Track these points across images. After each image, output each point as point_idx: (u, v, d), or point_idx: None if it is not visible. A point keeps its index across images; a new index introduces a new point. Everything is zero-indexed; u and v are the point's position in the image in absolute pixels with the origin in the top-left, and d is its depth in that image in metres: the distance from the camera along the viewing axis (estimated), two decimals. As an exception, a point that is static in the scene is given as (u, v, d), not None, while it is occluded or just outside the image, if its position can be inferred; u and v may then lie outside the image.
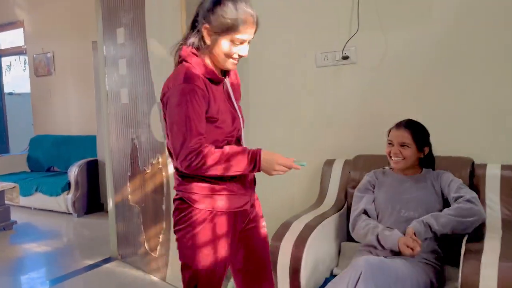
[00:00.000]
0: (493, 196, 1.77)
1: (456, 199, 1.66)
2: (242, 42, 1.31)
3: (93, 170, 4.66)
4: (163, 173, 2.65)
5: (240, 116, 1.42)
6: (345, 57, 2.24)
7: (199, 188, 1.35)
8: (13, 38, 5.88)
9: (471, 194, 1.66)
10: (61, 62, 5.22)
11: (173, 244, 2.62)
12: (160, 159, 2.66)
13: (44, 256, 3.32)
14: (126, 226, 3.05)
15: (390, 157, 1.80)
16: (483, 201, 1.78)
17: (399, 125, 1.81)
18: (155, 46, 2.61)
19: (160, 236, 2.72)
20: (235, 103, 1.43)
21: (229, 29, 1.27)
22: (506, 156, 1.89)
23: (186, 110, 1.25)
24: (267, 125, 2.55)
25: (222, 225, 1.36)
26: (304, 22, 2.37)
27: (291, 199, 2.48)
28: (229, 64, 1.35)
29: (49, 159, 5.23)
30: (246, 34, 1.30)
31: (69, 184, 4.46)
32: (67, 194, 4.46)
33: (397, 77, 2.14)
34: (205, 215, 1.34)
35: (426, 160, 1.83)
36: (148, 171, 2.77)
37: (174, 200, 1.44)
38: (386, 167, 1.93)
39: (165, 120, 1.33)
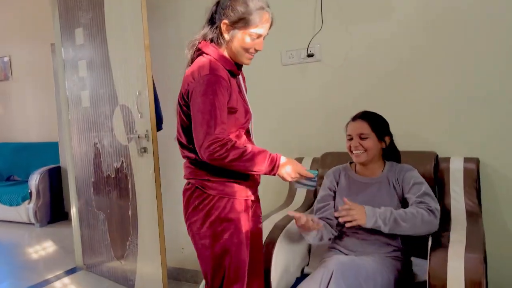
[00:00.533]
0: (457, 188, 1.80)
1: (418, 203, 1.58)
2: (258, 37, 1.41)
3: (55, 178, 4.49)
4: (128, 178, 2.56)
5: (250, 109, 1.50)
6: (310, 55, 2.24)
7: (212, 176, 1.40)
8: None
9: (435, 205, 1.58)
10: (18, 66, 5.00)
11: (141, 251, 2.54)
12: (124, 163, 2.58)
13: (5, 269, 3.15)
14: (91, 234, 2.93)
15: (351, 151, 1.72)
16: (447, 194, 1.81)
17: (355, 117, 1.75)
18: (116, 46, 2.53)
19: (127, 243, 2.63)
20: (246, 96, 1.51)
21: (246, 23, 1.37)
22: (468, 149, 1.93)
23: (212, 100, 1.31)
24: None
25: (236, 210, 1.42)
26: (268, 20, 2.35)
27: (260, 199, 2.45)
28: (245, 58, 1.45)
29: (8, 168, 5.00)
30: (262, 28, 1.40)
31: (30, 193, 4.27)
32: (28, 203, 4.27)
33: (362, 73, 2.15)
34: (219, 201, 1.40)
35: (389, 152, 1.77)
36: (113, 176, 2.68)
37: (186, 190, 1.48)
38: (344, 165, 1.86)
39: (183, 113, 1.41)
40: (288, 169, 1.38)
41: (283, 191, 2.30)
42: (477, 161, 1.84)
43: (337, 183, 1.80)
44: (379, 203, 1.61)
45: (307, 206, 2.05)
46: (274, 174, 1.38)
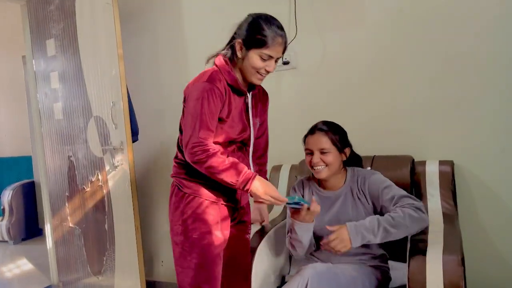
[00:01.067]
0: (433, 191, 1.82)
1: (400, 206, 1.49)
2: (269, 58, 1.44)
3: (29, 193, 4.36)
4: (104, 190, 2.50)
5: (251, 129, 1.55)
6: (286, 63, 2.24)
7: (190, 176, 1.48)
8: None
9: (417, 202, 1.50)
10: (-12, 79, 4.86)
11: (119, 265, 2.47)
12: (100, 176, 2.52)
13: (-25, 290, 3.03)
14: (66, 250, 2.85)
15: (312, 167, 1.62)
16: (424, 197, 1.82)
17: (313, 130, 1.65)
18: (88, 56, 2.48)
19: (104, 258, 2.56)
20: (251, 117, 1.55)
21: (259, 44, 1.41)
22: (443, 152, 1.96)
23: (201, 105, 1.38)
24: (212, 134, 2.49)
25: (210, 213, 1.46)
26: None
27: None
28: (255, 78, 1.48)
29: (-21, 184, 4.82)
30: (274, 51, 1.43)
31: (3, 210, 4.13)
32: (1, 220, 4.13)
33: (336, 79, 2.17)
34: (193, 201, 1.46)
35: (350, 160, 1.69)
36: (88, 189, 2.61)
37: (171, 187, 1.58)
38: (308, 177, 1.79)
39: (182, 115, 1.48)
40: (260, 190, 1.40)
41: (262, 199, 2.28)
42: (452, 164, 1.86)
43: (303, 196, 1.73)
44: (345, 219, 1.55)
45: (287, 213, 2.04)
46: (247, 191, 1.41)
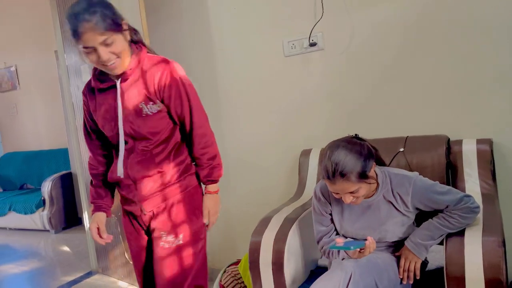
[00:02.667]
0: (471, 171, 1.74)
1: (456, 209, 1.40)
2: (92, 50, 1.24)
3: (68, 184, 4.52)
4: (137, 179, 2.55)
5: (121, 122, 1.35)
6: (313, 44, 2.19)
7: None
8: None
9: (473, 203, 1.39)
10: (25, 75, 5.04)
11: (154, 252, 2.53)
12: (132, 165, 2.57)
13: (23, 276, 3.18)
14: (104, 237, 2.94)
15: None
16: (461, 178, 1.75)
17: (332, 179, 1.36)
18: (117, 48, 2.51)
19: (140, 245, 2.63)
20: (120, 109, 1.35)
21: (74, 42, 1.26)
22: (480, 130, 1.88)
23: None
24: (240, 119, 2.49)
25: (122, 208, 1.54)
26: (268, 11, 2.31)
27: (271, 193, 2.43)
28: (106, 69, 1.31)
29: (21, 176, 5.05)
30: (84, 42, 1.23)
31: (43, 200, 4.30)
32: (42, 210, 4.31)
33: (366, 60, 2.10)
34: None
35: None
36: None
37: None
38: None
39: None
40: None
41: (293, 183, 2.27)
42: (490, 142, 1.78)
43: (330, 203, 1.57)
44: (378, 225, 1.48)
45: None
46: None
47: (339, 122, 2.20)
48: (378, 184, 1.46)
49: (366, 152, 1.40)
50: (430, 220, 1.44)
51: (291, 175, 2.33)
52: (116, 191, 1.56)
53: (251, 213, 2.48)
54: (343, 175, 1.34)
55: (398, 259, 1.48)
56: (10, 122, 5.32)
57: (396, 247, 1.53)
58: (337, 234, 1.59)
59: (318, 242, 1.61)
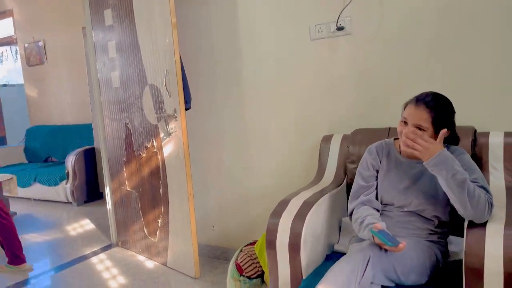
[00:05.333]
0: (496, 164, 1.71)
1: (479, 186, 1.40)
2: None
3: (91, 159, 4.63)
4: (159, 157, 2.60)
5: None
6: (340, 28, 2.16)
7: None
8: (3, 28, 5.76)
9: (492, 201, 1.38)
10: (52, 50, 5.13)
11: (172, 228, 2.59)
12: (155, 143, 2.61)
13: (45, 245, 3.30)
14: (124, 212, 3.01)
15: (402, 137, 1.49)
16: (486, 170, 1.72)
17: (418, 102, 1.46)
18: (143, 25, 2.53)
19: (159, 221, 2.69)
20: None
21: None
22: (509, 123, 1.83)
23: None
24: (263, 102, 2.49)
25: None
26: (296, -7, 2.28)
27: (290, 177, 2.44)
28: None
29: (46, 149, 5.19)
30: None
31: (67, 174, 4.42)
32: (66, 183, 4.43)
33: (395, 47, 2.06)
34: None
35: (447, 138, 1.52)
36: (144, 155, 2.72)
37: None
38: (387, 141, 1.71)
39: None
40: None
41: (313, 168, 2.27)
42: (518, 135, 1.74)
43: (380, 161, 1.66)
44: (422, 190, 1.53)
45: (337, 183, 2.02)
46: None
47: (363, 109, 2.17)
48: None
49: (453, 114, 1.51)
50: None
51: (312, 160, 2.33)
52: None
53: (269, 196, 2.50)
54: (428, 105, 1.45)
55: (419, 251, 1.47)
56: (37, 96, 5.45)
57: (421, 234, 1.55)
58: (376, 197, 1.65)
59: (352, 199, 1.66)
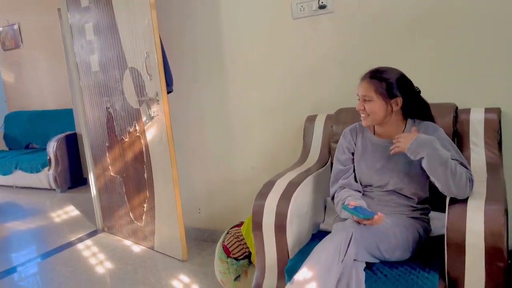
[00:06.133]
0: (477, 140, 1.73)
1: (460, 164, 1.42)
2: None
3: (73, 144, 4.55)
4: (142, 141, 2.56)
5: None
6: (322, 6, 2.13)
7: None
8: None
9: (471, 174, 1.41)
10: (28, 33, 4.97)
11: (158, 212, 2.58)
12: (137, 127, 2.57)
13: (29, 233, 3.26)
14: (109, 198, 2.99)
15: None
16: (467, 146, 1.75)
17: (364, 76, 1.57)
18: (121, 6, 2.46)
19: (145, 205, 2.67)
20: None
21: None
22: (489, 99, 1.85)
23: None
24: (246, 82, 2.46)
25: None
26: (277, -29, 2.24)
27: (276, 158, 2.44)
28: None
29: (26, 136, 5.08)
30: None
31: (49, 160, 4.35)
32: (48, 170, 4.36)
33: (376, 24, 2.05)
34: None
35: (414, 109, 1.58)
36: (126, 140, 2.68)
37: None
38: (362, 122, 1.69)
39: None
40: None
41: (297, 148, 2.27)
42: (498, 111, 1.76)
43: (355, 144, 1.70)
44: (397, 168, 1.56)
45: (322, 163, 2.02)
46: None
47: (348, 88, 2.16)
48: (405, 127, 1.58)
49: (405, 83, 1.54)
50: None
51: (297, 140, 2.33)
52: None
53: (255, 177, 2.50)
54: (370, 76, 1.53)
55: (402, 228, 1.50)
56: (14, 81, 5.30)
57: (403, 211, 1.57)
58: (355, 179, 1.69)
59: (333, 184, 1.70)
